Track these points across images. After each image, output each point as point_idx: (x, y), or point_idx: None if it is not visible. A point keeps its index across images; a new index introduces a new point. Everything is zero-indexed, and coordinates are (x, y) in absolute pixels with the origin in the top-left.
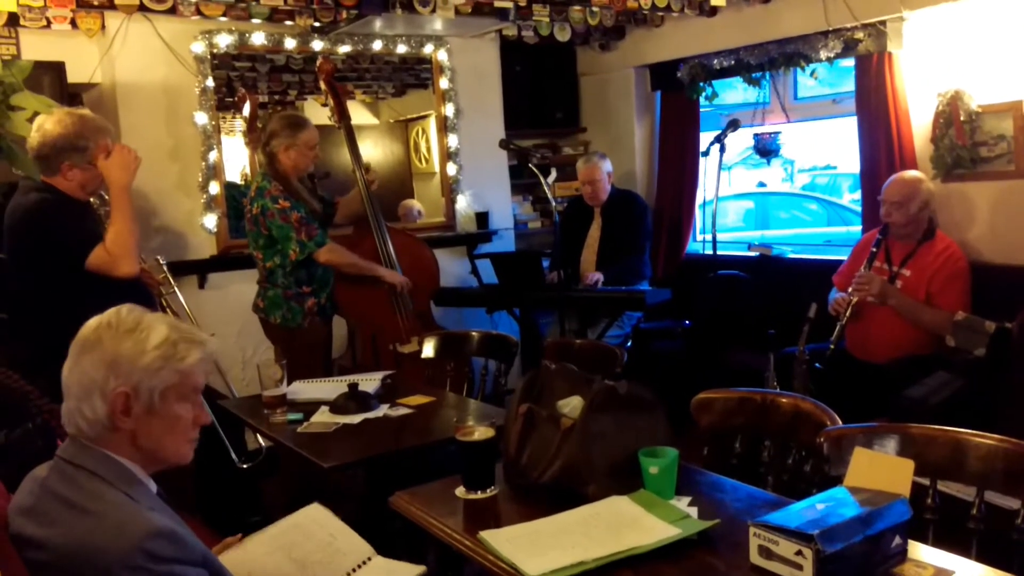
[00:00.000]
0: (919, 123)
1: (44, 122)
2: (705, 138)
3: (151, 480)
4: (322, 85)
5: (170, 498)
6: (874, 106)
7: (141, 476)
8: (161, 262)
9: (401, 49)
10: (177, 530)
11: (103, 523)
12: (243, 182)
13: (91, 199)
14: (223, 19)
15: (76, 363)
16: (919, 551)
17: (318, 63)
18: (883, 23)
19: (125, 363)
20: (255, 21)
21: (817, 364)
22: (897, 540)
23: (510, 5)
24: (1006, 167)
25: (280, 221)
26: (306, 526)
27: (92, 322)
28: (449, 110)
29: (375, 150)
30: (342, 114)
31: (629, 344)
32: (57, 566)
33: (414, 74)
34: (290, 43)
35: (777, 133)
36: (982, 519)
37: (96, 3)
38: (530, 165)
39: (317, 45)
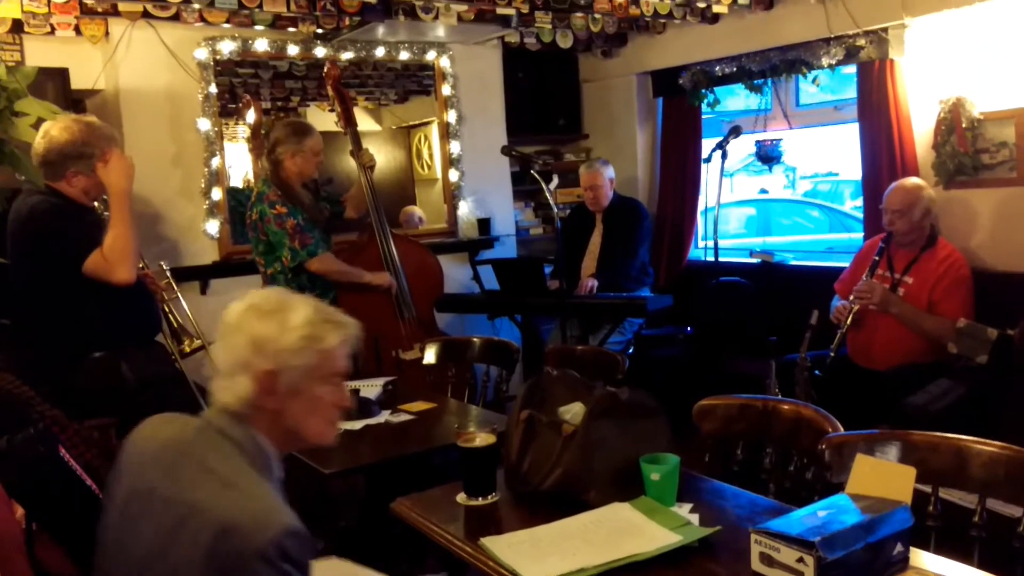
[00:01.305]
0: (921, 130)
1: (51, 128)
2: (707, 145)
3: (280, 467)
4: (329, 91)
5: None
6: (876, 113)
7: (275, 463)
8: (164, 268)
9: (404, 56)
10: (308, 534)
11: (251, 505)
12: (244, 187)
13: (95, 204)
14: (226, 26)
15: (223, 342)
16: (921, 559)
17: (325, 68)
18: (885, 30)
19: (269, 343)
20: (258, 28)
21: (818, 371)
22: (899, 547)
23: (512, 12)
24: (1008, 174)
25: (275, 227)
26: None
27: (238, 303)
28: (451, 117)
29: (377, 156)
30: (348, 119)
31: (631, 351)
32: (195, 532)
33: (416, 81)
34: (293, 50)
35: (779, 140)
36: (984, 527)
37: (100, 10)
38: (532, 172)
39: (320, 52)
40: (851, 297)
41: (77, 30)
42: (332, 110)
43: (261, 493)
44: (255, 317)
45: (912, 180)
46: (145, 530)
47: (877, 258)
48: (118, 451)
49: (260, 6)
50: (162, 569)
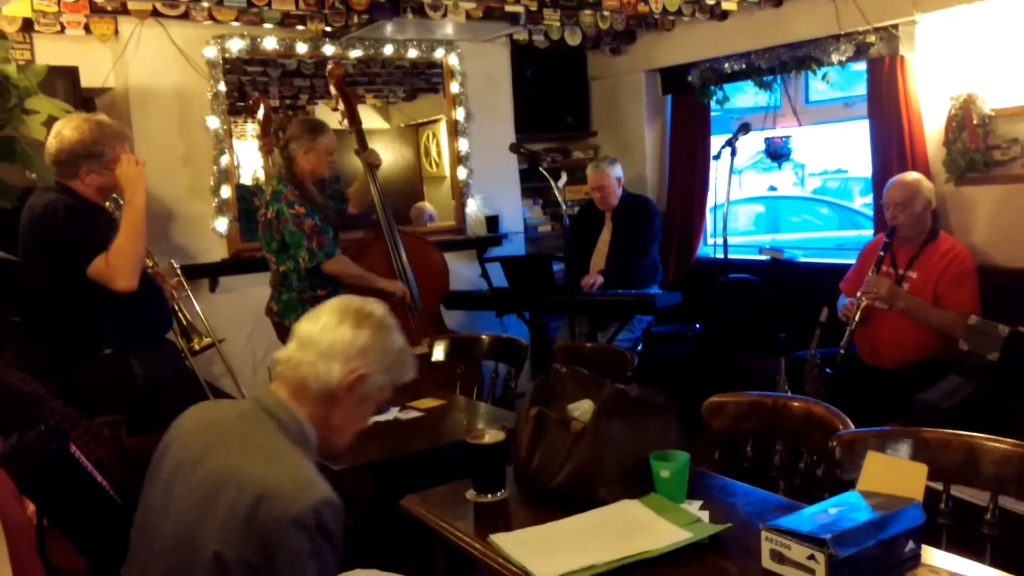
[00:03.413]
0: (931, 127)
1: (62, 128)
2: (716, 142)
3: (315, 454)
4: (332, 90)
5: None
6: (886, 110)
7: (315, 446)
8: (175, 266)
9: (412, 53)
10: (343, 508)
11: (293, 476)
12: (253, 183)
13: (107, 203)
14: (235, 24)
15: (332, 327)
16: (932, 556)
17: (329, 68)
18: (895, 27)
19: (377, 352)
20: (267, 26)
21: (828, 369)
22: (910, 545)
23: (521, 9)
24: (1019, 171)
25: (293, 227)
26: None
27: (358, 302)
28: (460, 114)
29: (386, 154)
30: (352, 118)
31: (640, 348)
32: (233, 499)
33: (425, 78)
34: (302, 48)
35: (788, 137)
36: (996, 524)
37: (110, 8)
38: (540, 169)
39: (328, 50)
40: (859, 293)
41: (87, 29)
42: (336, 109)
43: (302, 466)
44: (371, 327)
45: (911, 174)
46: (187, 496)
47: (882, 254)
48: (128, 448)
49: (269, 4)
50: (202, 535)
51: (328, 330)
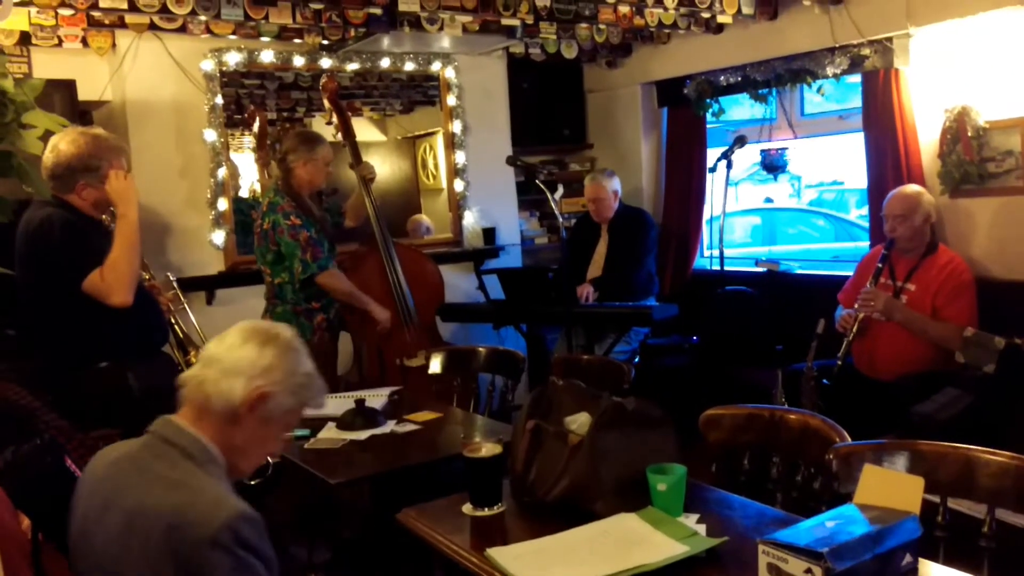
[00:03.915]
0: (926, 139)
1: (58, 142)
2: (712, 154)
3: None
4: (326, 103)
5: None
6: (881, 122)
7: (224, 468)
8: (171, 279)
9: (409, 66)
10: (261, 520)
11: (198, 498)
12: (251, 196)
13: (104, 217)
14: (232, 37)
15: (237, 346)
16: (930, 569)
17: (322, 82)
18: (890, 40)
19: (282, 372)
20: (264, 39)
21: (825, 380)
22: (907, 558)
23: (517, 23)
24: (1014, 183)
25: (289, 238)
26: None
27: (265, 325)
28: (456, 127)
29: (383, 167)
30: (347, 132)
31: (636, 360)
32: (145, 534)
33: (422, 91)
34: (299, 61)
35: (784, 149)
36: (993, 537)
37: (107, 22)
38: (537, 181)
39: (325, 63)
40: (856, 304)
41: (84, 42)
42: (330, 123)
43: (208, 487)
44: (276, 347)
45: (912, 186)
46: (100, 544)
47: (880, 265)
48: None
49: (266, 18)
50: (129, 574)
51: (233, 349)
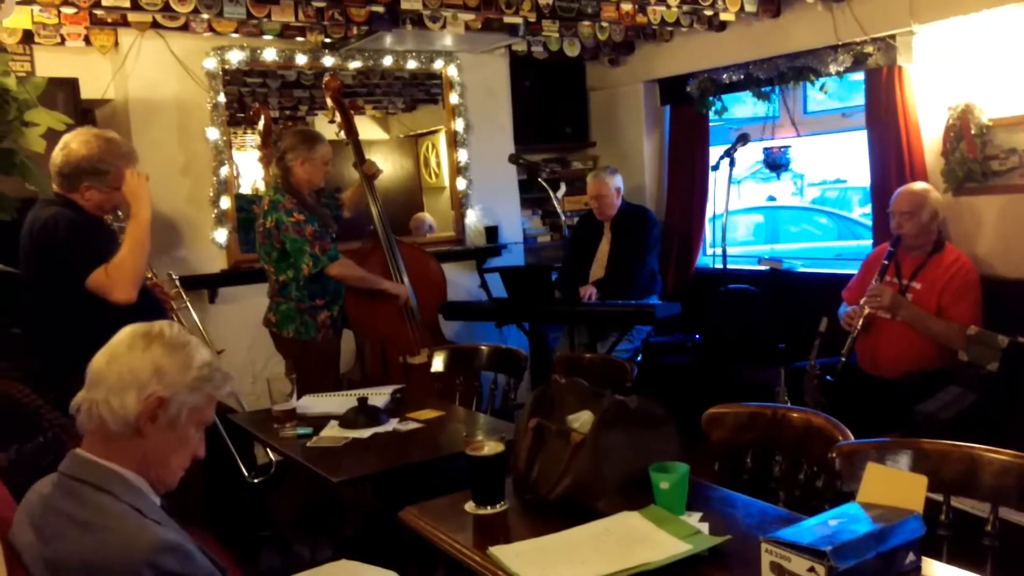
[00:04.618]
0: (929, 137)
1: (71, 141)
2: (715, 152)
3: (154, 494)
4: (329, 102)
5: (179, 512)
6: (884, 120)
7: (146, 490)
8: (174, 277)
9: (411, 65)
10: (184, 545)
11: (110, 538)
12: (252, 192)
13: (106, 216)
14: (235, 35)
15: (120, 357)
16: (933, 568)
17: (325, 80)
18: (893, 37)
19: (172, 373)
20: (267, 37)
21: (828, 377)
22: (911, 557)
23: (520, 21)
24: (1018, 181)
25: (294, 234)
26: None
27: (143, 327)
28: (459, 125)
29: (385, 165)
30: (350, 130)
31: (639, 358)
32: None
33: (424, 89)
34: (301, 59)
35: (787, 147)
36: (997, 535)
37: (110, 20)
38: (539, 179)
39: (328, 61)
40: (862, 301)
41: (87, 40)
42: (333, 121)
43: (121, 523)
44: (161, 346)
45: (919, 184)
46: None
47: (886, 262)
48: None
49: (268, 16)
50: None
51: (115, 361)
